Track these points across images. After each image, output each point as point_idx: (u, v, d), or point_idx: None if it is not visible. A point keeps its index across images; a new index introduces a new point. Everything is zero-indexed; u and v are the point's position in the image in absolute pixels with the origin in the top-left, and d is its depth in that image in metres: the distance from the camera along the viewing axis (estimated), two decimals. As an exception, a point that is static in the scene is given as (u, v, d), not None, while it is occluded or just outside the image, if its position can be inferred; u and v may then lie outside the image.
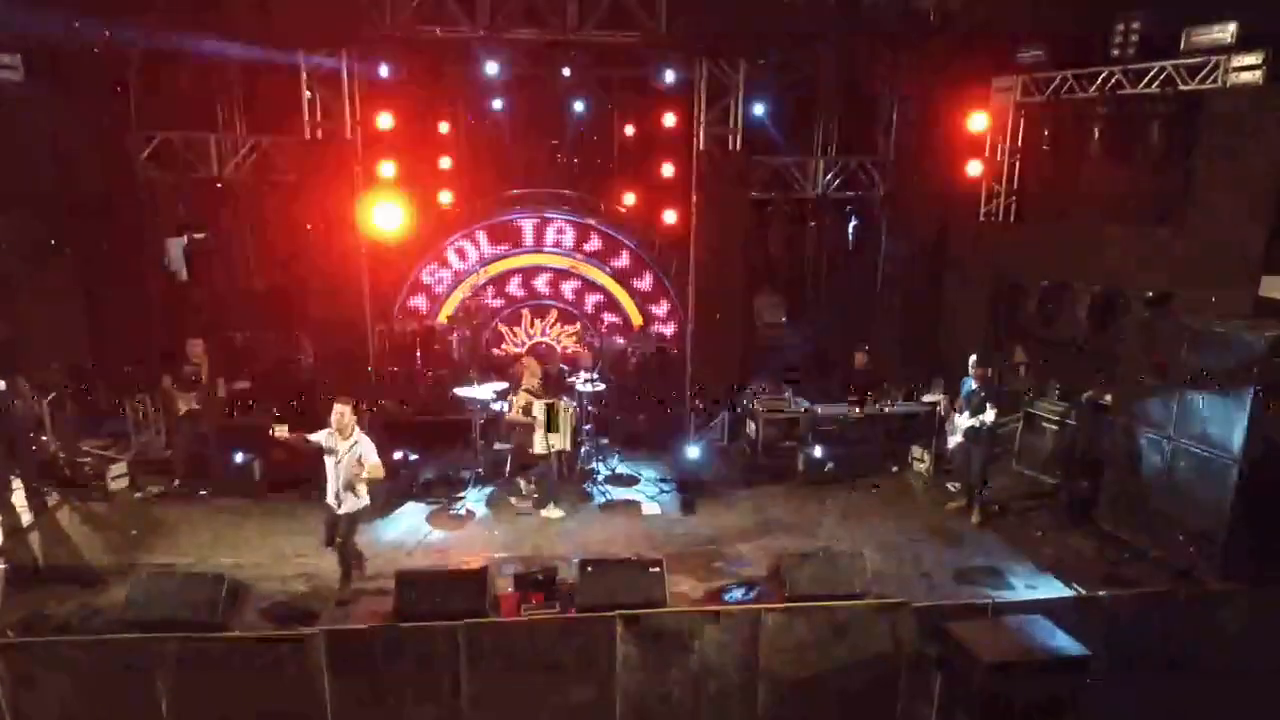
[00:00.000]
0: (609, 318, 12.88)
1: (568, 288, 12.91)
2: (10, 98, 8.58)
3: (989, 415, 8.15)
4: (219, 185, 9.76)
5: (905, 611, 6.49)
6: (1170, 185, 8.61)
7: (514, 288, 12.86)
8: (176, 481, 9.06)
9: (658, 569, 6.75)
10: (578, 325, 12.92)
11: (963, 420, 8.43)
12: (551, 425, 8.45)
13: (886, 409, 9.82)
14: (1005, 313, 10.04)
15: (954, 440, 8.71)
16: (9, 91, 8.57)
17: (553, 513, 8.64)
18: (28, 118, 8.68)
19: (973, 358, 8.54)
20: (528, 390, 8.57)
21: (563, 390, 10.29)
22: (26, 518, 8.26)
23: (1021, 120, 9.62)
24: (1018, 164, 9.79)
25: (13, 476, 8.59)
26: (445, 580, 6.64)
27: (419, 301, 12.67)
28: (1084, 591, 7.07)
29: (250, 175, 9.97)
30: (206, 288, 11.00)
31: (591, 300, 12.95)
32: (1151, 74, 8.44)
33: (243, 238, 10.85)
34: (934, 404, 9.61)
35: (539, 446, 8.52)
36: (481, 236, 12.63)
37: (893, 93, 10.24)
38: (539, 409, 8.44)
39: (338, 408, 6.88)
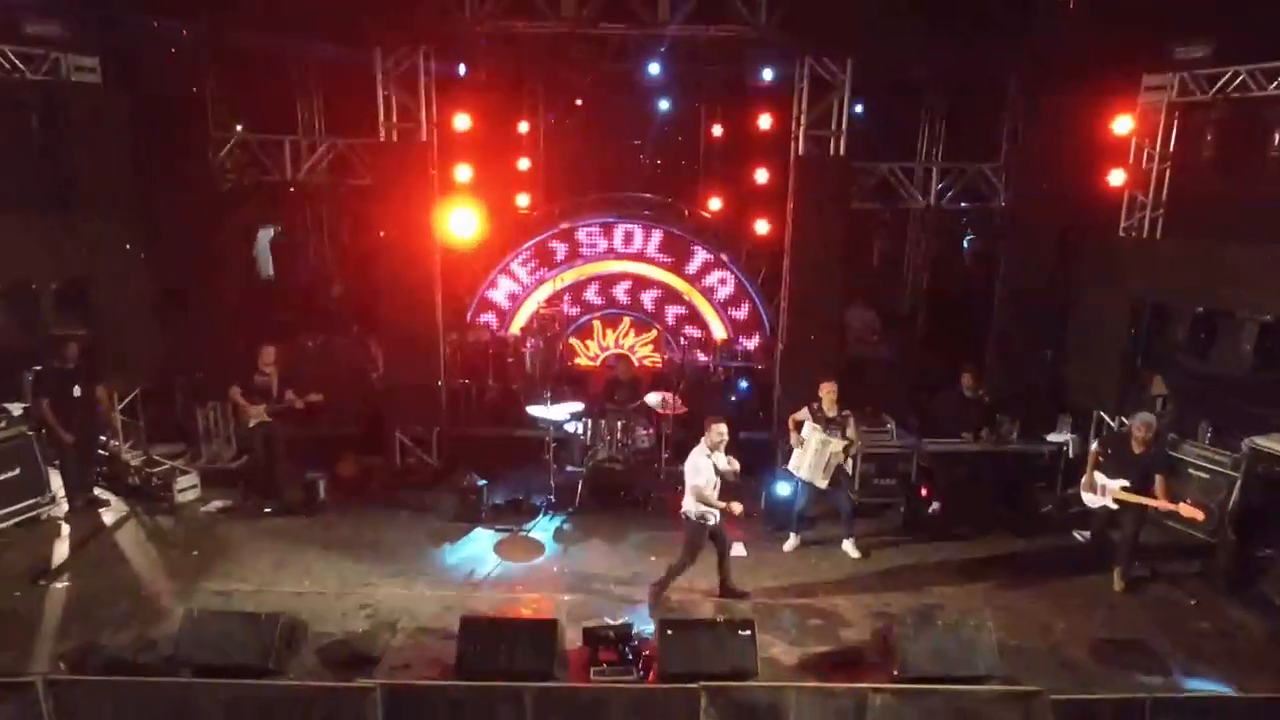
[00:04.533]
0: (690, 329, 12.16)
1: (648, 298, 12.28)
2: (88, 100, 8.38)
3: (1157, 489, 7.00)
4: (292, 189, 9.40)
5: (1041, 702, 5.49)
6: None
7: (591, 296, 12.30)
8: (244, 497, 8.79)
9: (748, 632, 5.98)
10: (653, 332, 12.24)
11: (1114, 485, 7.22)
12: (814, 452, 7.70)
13: (1004, 446, 8.74)
14: (1146, 340, 8.81)
15: (1093, 501, 7.48)
16: (87, 94, 8.38)
17: (789, 543, 8.09)
18: (105, 121, 8.47)
19: (1140, 416, 7.29)
20: (810, 407, 7.90)
21: (632, 401, 9.58)
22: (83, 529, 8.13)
23: (1175, 122, 8.37)
24: (1168, 172, 8.54)
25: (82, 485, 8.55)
26: (511, 631, 6.04)
27: (492, 310, 12.24)
28: (1256, 693, 5.92)
29: (325, 178, 9.61)
30: (279, 293, 10.74)
31: (673, 312, 12.28)
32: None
33: (317, 243, 10.53)
34: (1060, 445, 8.50)
35: (792, 464, 7.88)
36: (558, 242, 12.11)
37: (1020, 91, 9.11)
38: (808, 431, 7.75)
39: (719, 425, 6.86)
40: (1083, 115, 8.74)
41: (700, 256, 11.79)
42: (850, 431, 7.75)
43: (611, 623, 6.55)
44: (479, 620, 6.08)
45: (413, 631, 6.64)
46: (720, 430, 6.84)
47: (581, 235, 11.91)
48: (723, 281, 11.85)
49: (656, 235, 11.80)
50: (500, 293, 12.11)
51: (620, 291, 12.16)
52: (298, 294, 11.48)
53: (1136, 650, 6.50)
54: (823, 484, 7.74)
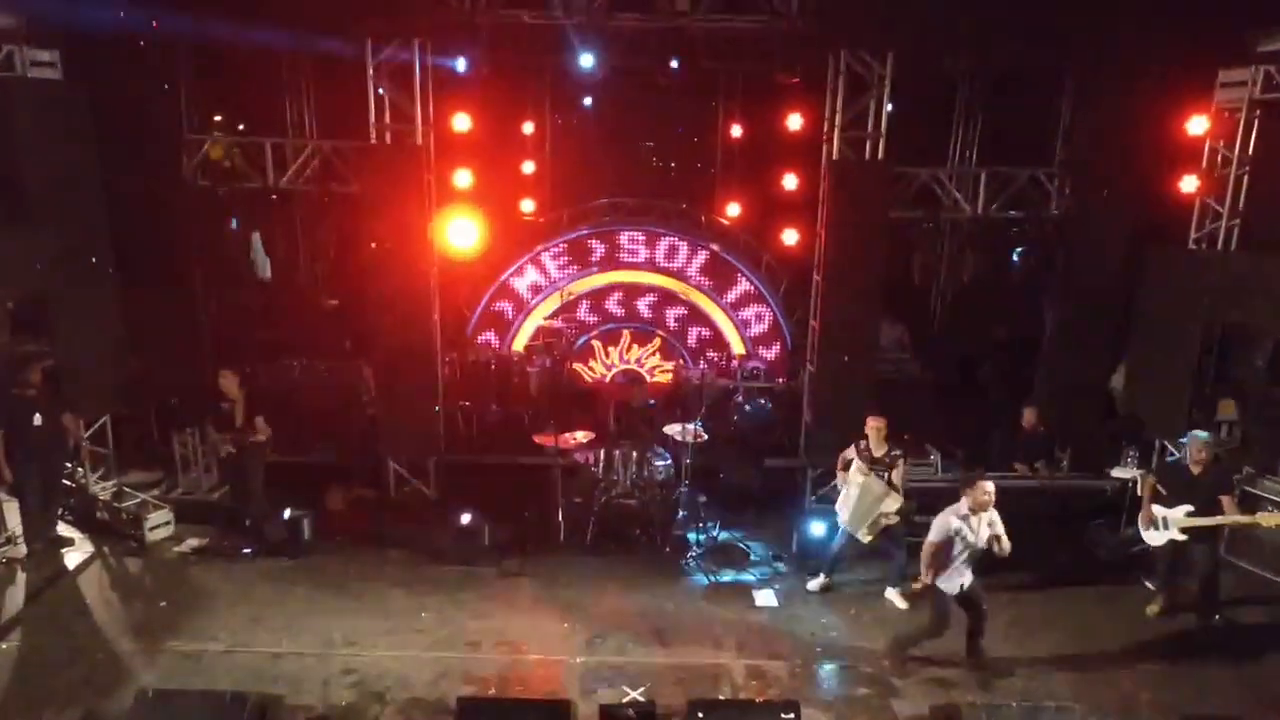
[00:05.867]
0: (697, 329, 11.33)
1: (664, 312, 11.44)
2: (48, 99, 7.55)
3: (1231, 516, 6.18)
4: (274, 196, 8.55)
5: (1142, 806, 4.71)
6: None
7: (599, 311, 11.46)
8: (221, 535, 7.99)
9: (791, 715, 5.14)
10: (656, 341, 11.42)
11: (1177, 514, 6.46)
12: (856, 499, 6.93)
13: (1061, 481, 7.91)
14: (1219, 365, 7.95)
15: (1154, 537, 6.70)
16: (46, 90, 7.55)
17: (814, 582, 7.37)
18: (66, 120, 7.63)
19: (1194, 435, 6.55)
20: (856, 444, 7.13)
21: (644, 428, 8.76)
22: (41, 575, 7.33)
23: (1256, 122, 7.51)
24: (1246, 178, 7.68)
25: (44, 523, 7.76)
26: (517, 715, 5.21)
27: (509, 300, 11.32)
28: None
29: (310, 185, 8.77)
30: (266, 309, 9.90)
31: (691, 328, 11.45)
32: None
33: (303, 256, 9.67)
34: (1125, 481, 7.67)
35: (839, 504, 7.15)
36: (597, 241, 11.22)
37: (1077, 87, 8.26)
38: (854, 472, 6.96)
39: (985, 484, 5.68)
40: (1149, 114, 7.89)
41: (742, 286, 11.11)
42: (896, 478, 6.91)
43: (632, 695, 5.75)
44: (478, 701, 5.26)
45: (404, 704, 5.80)
46: (987, 489, 5.70)
47: (624, 239, 11.14)
48: (759, 317, 11.18)
49: (701, 255, 11.06)
50: (524, 282, 11.26)
51: (612, 303, 11.35)
52: (285, 309, 10.66)
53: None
54: (865, 538, 6.93)
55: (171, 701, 5.09)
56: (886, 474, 6.91)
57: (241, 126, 9.31)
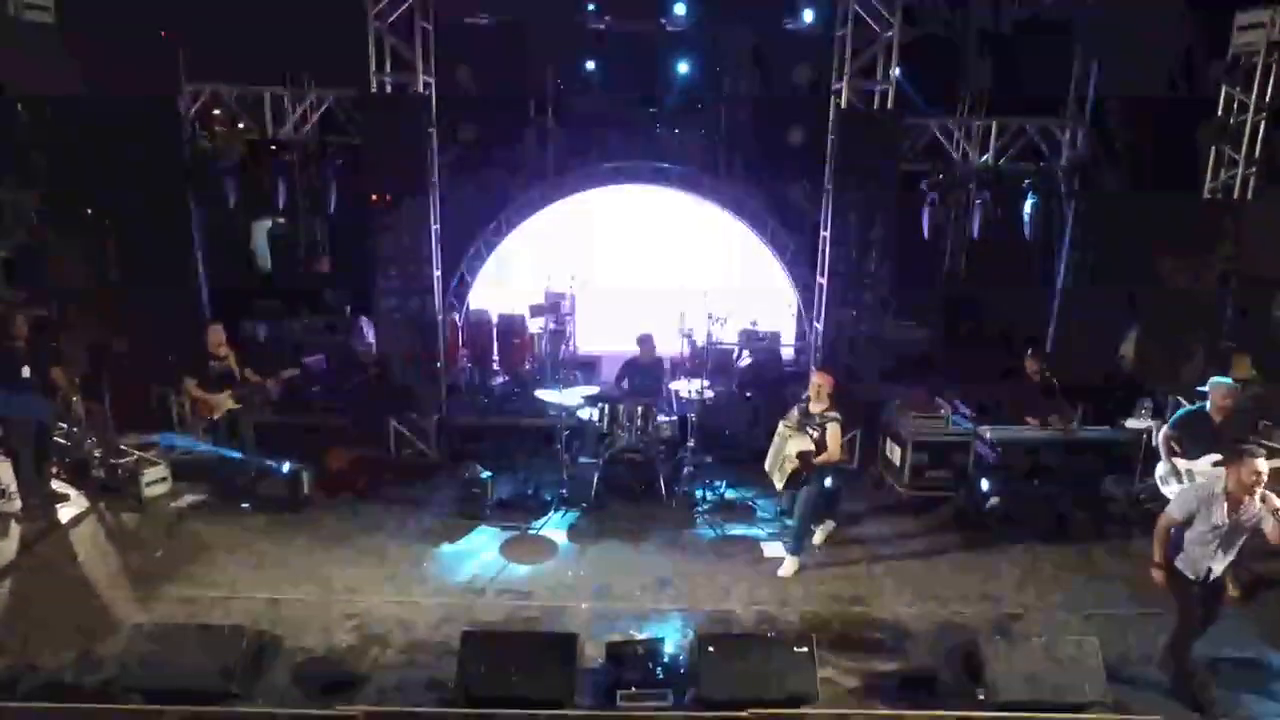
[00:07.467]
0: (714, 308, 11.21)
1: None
2: (40, 43, 7.42)
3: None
4: (273, 148, 8.42)
5: (1165, 736, 4.60)
6: None
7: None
8: (219, 491, 7.85)
9: (805, 650, 5.02)
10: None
11: (1202, 465, 6.28)
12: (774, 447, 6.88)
13: (1073, 433, 7.78)
14: (1236, 318, 7.83)
15: (1171, 489, 6.43)
16: (39, 36, 7.43)
17: (784, 567, 6.84)
18: (61, 68, 7.51)
19: (1216, 381, 6.29)
20: (801, 404, 6.92)
21: (653, 386, 8.61)
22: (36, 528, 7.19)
23: (1274, 66, 7.37)
24: (1262, 124, 7.55)
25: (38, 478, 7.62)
26: (522, 647, 5.09)
27: (497, 285, 11.26)
28: None
29: (310, 136, 8.62)
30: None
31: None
32: None
33: (305, 211, 9.49)
34: (1140, 432, 7.54)
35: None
36: (569, 211, 11.15)
37: (1087, 36, 8.12)
38: (782, 427, 6.87)
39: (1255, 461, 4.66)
40: (1163, 61, 7.76)
41: (755, 247, 11.02)
42: (829, 437, 6.59)
43: (639, 637, 5.62)
44: (484, 635, 5.12)
45: (406, 646, 5.67)
46: (1257, 468, 4.63)
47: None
48: (751, 259, 11.04)
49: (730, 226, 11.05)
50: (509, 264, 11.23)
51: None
52: (283, 269, 10.49)
53: (1256, 670, 5.53)
54: (778, 484, 6.87)
55: (168, 634, 4.97)
56: (819, 432, 6.64)
57: (238, 77, 9.09)
